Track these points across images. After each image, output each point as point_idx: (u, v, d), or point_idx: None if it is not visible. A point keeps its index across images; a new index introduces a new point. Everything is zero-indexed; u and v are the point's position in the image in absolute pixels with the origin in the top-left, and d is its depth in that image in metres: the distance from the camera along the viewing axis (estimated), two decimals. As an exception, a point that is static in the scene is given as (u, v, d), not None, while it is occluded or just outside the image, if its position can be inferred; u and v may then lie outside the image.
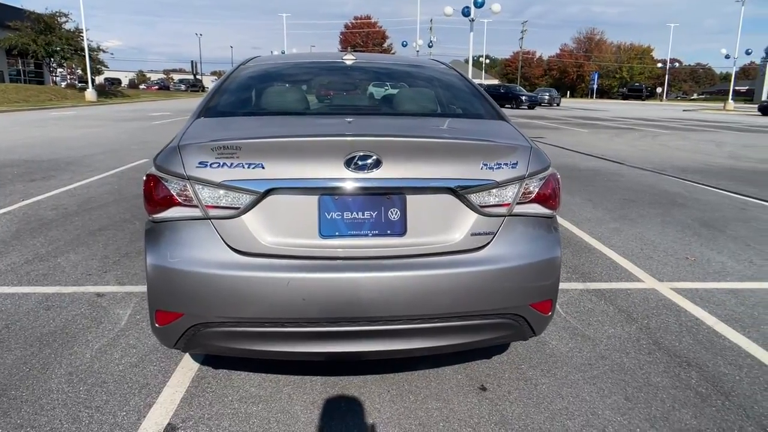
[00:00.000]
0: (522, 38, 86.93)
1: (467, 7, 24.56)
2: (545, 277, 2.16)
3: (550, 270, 2.16)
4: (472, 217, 2.09)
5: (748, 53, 53.53)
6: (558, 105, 42.43)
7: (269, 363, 2.63)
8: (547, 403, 2.40)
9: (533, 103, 35.72)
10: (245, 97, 2.97)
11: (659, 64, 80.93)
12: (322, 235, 2.01)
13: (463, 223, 2.09)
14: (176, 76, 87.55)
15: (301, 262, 1.99)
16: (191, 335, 2.09)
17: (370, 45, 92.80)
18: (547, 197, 2.18)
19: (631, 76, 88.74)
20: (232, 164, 1.98)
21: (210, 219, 2.01)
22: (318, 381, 2.53)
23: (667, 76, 77.03)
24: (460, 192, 2.06)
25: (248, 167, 1.97)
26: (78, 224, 5.23)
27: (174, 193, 2.03)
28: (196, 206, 2.01)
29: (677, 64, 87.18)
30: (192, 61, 74.02)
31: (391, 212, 2.04)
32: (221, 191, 1.99)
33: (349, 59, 3.24)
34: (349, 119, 2.53)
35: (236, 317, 2.01)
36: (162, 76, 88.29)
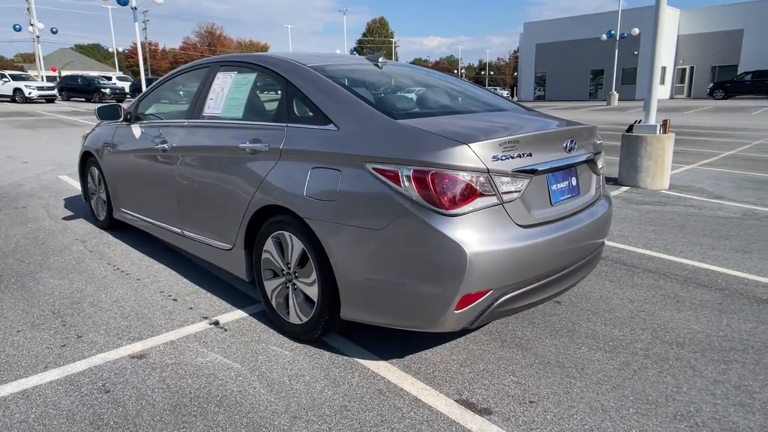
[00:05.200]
0: (146, 28, 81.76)
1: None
2: None
3: None
4: (594, 177, 3.01)
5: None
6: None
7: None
8: (615, 307, 3.45)
9: (120, 96, 30.98)
10: (403, 99, 3.26)
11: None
12: (552, 203, 2.61)
13: (593, 182, 3.00)
14: None
15: (552, 225, 2.54)
16: (487, 307, 2.35)
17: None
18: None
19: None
20: (514, 155, 2.39)
21: (503, 204, 2.35)
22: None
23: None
24: (595, 160, 2.96)
25: (524, 156, 2.44)
26: None
27: (476, 186, 2.27)
28: (493, 194, 2.32)
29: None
30: None
31: (572, 180, 2.79)
32: (509, 178, 2.37)
33: (383, 62, 3.50)
34: (497, 113, 3.12)
35: (523, 280, 2.40)
36: None
